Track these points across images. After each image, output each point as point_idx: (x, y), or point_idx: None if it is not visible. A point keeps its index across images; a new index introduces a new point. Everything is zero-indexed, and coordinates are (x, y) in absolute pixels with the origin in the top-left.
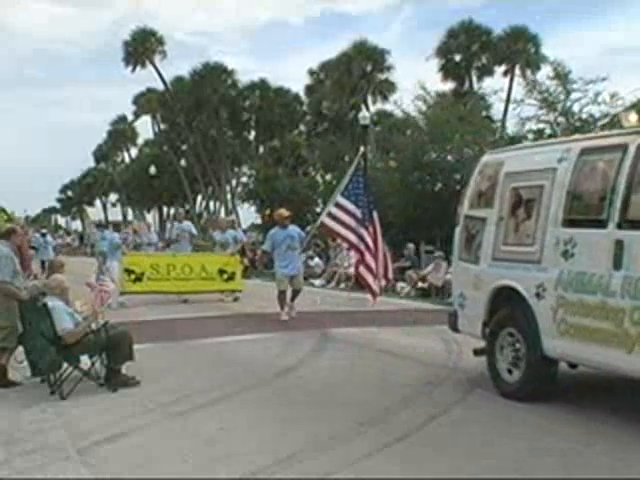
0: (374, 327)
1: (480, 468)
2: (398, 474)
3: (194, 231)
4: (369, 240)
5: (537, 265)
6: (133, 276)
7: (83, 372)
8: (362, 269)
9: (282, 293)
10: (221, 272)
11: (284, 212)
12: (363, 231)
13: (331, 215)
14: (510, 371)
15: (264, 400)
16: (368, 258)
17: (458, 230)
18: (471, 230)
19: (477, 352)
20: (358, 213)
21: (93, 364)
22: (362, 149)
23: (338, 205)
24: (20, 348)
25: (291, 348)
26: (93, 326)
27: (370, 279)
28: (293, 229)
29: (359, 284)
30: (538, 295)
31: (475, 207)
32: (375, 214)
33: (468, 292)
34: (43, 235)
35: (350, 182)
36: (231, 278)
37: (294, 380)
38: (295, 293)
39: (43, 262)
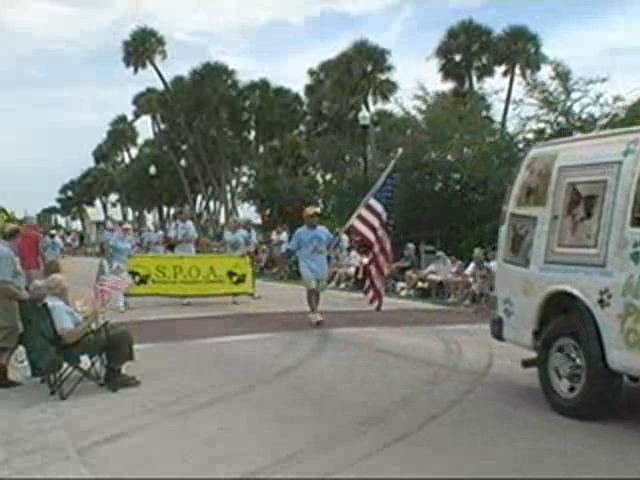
0: (374, 327)
1: (480, 468)
2: (398, 474)
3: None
4: (387, 244)
5: (600, 269)
6: (137, 278)
7: (83, 372)
8: (374, 272)
9: (312, 292)
10: (230, 274)
11: (311, 210)
12: (382, 233)
13: (361, 217)
14: (568, 386)
15: (264, 400)
16: (381, 262)
17: (503, 230)
18: (519, 230)
19: (526, 364)
20: (384, 216)
21: (93, 364)
22: (400, 150)
23: (369, 207)
24: (20, 348)
25: (291, 348)
26: (93, 326)
27: (379, 283)
28: (321, 230)
29: (363, 283)
30: (602, 302)
31: (523, 205)
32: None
33: (516, 298)
34: (52, 236)
35: (384, 184)
36: (241, 280)
37: (294, 380)
38: (317, 298)
39: None
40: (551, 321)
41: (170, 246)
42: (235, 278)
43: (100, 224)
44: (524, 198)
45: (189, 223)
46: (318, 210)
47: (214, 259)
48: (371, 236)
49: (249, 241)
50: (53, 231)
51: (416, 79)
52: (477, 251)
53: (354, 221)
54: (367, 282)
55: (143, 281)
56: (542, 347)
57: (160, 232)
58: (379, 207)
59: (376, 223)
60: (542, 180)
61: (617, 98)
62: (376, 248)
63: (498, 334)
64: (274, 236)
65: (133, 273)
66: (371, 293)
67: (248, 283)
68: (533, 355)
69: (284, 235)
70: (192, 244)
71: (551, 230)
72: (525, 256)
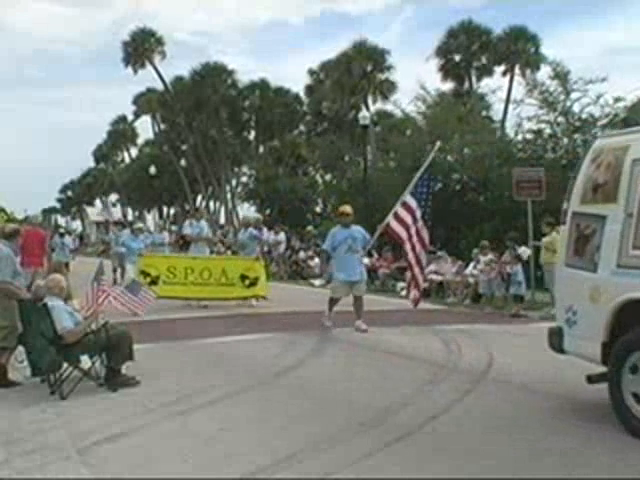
0: (374, 327)
1: (480, 468)
2: (398, 474)
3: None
4: (418, 245)
5: None
6: (148, 279)
7: (83, 372)
8: (416, 270)
9: (333, 301)
10: (243, 278)
11: (346, 209)
12: (415, 231)
13: (397, 216)
14: None
15: (264, 400)
16: (414, 263)
17: (564, 230)
18: (584, 230)
19: (592, 379)
20: (418, 212)
21: (93, 364)
22: (438, 143)
23: (405, 204)
24: (20, 348)
25: (291, 348)
26: (93, 326)
27: (419, 287)
28: (357, 230)
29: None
30: None
31: (589, 202)
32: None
33: (581, 306)
34: (62, 235)
35: (420, 179)
36: (253, 284)
37: (294, 380)
38: (357, 301)
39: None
40: (625, 332)
41: (184, 244)
42: (247, 282)
43: (101, 224)
44: (590, 194)
45: (203, 222)
46: (349, 209)
47: (227, 261)
48: (403, 234)
49: (261, 240)
50: (62, 230)
51: (416, 79)
52: (475, 251)
53: (391, 220)
54: (407, 283)
55: (154, 282)
56: (614, 361)
57: (165, 233)
58: (413, 203)
59: (409, 220)
60: (612, 174)
61: (617, 99)
62: (407, 246)
63: (558, 346)
64: (272, 236)
65: (144, 273)
66: (413, 293)
67: (260, 286)
68: (598, 369)
69: (282, 235)
70: (206, 245)
71: (624, 230)
72: (592, 259)
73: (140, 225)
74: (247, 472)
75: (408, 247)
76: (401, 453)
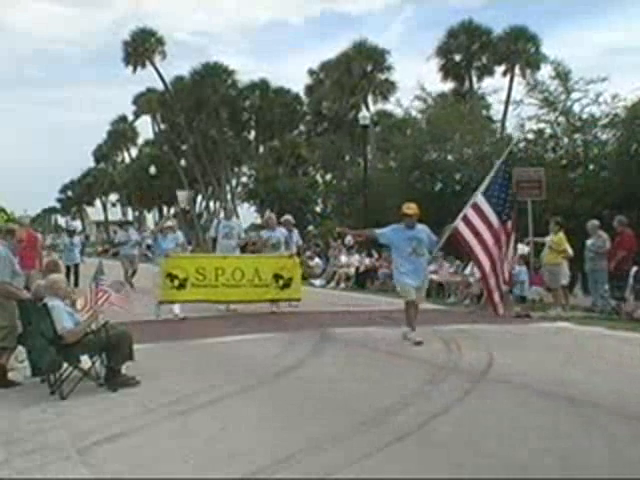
0: (374, 327)
1: (480, 468)
2: (398, 474)
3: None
4: (493, 249)
5: None
6: (176, 282)
7: (83, 372)
8: (486, 284)
9: (410, 305)
10: (277, 277)
11: (410, 208)
12: (489, 237)
13: (466, 220)
14: None
15: (264, 400)
16: (488, 272)
17: None
18: None
19: None
20: (493, 217)
21: (93, 364)
22: (514, 139)
23: (475, 207)
24: (20, 348)
25: (291, 348)
26: (93, 326)
27: (494, 294)
28: (422, 230)
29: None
30: None
31: None
32: (512, 213)
33: None
34: (70, 235)
35: (496, 176)
36: (287, 285)
37: (294, 380)
38: (415, 308)
39: (68, 268)
40: None
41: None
42: (281, 282)
43: (101, 224)
44: None
45: (234, 221)
46: (413, 208)
47: (260, 260)
48: (472, 240)
49: (294, 241)
50: (73, 227)
51: (417, 79)
52: None
53: (459, 223)
54: (485, 296)
55: (182, 285)
56: None
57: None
58: (486, 207)
59: (479, 225)
60: None
61: (615, 97)
62: (479, 254)
63: None
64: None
65: (171, 276)
66: (496, 297)
67: (294, 288)
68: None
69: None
70: (237, 247)
71: None
72: None
73: (170, 223)
74: (247, 472)
75: (481, 255)
76: (401, 453)
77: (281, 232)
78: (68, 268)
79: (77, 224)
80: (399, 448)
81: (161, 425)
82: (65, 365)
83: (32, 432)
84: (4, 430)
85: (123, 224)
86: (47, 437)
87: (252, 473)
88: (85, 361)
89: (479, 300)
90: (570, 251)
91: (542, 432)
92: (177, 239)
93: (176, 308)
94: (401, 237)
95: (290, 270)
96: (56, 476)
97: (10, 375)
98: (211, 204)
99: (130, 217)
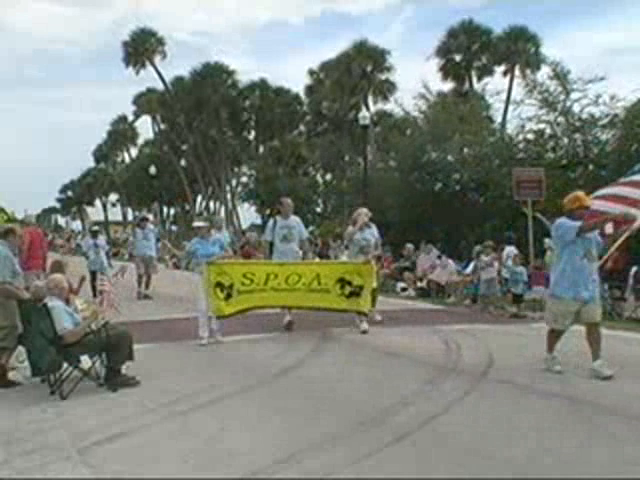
0: (374, 327)
1: (480, 468)
2: (398, 474)
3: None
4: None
5: None
6: (224, 293)
7: (83, 372)
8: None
9: (555, 333)
10: (342, 283)
11: (586, 199)
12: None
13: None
14: None
15: (264, 400)
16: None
17: None
18: None
19: None
20: None
21: (93, 364)
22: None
23: (633, 183)
24: (20, 348)
25: (291, 348)
26: (93, 326)
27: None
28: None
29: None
30: None
31: None
32: None
33: None
34: (94, 235)
35: None
36: (356, 293)
37: (294, 380)
38: (591, 333)
39: (94, 274)
40: None
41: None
42: (348, 289)
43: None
44: None
45: (293, 219)
46: (585, 199)
47: (326, 265)
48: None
49: (377, 244)
50: (95, 227)
51: (420, 79)
52: (477, 248)
53: (595, 202)
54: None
55: (229, 294)
56: None
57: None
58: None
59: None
60: None
61: (613, 97)
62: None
63: None
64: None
65: (220, 286)
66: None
67: (364, 298)
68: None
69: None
70: (299, 252)
71: None
72: None
73: (201, 224)
74: (247, 472)
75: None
76: (401, 453)
77: (371, 233)
78: (94, 274)
79: (76, 224)
80: (399, 448)
81: (161, 425)
82: (65, 365)
83: (32, 432)
84: (4, 430)
85: (142, 220)
86: (47, 437)
87: (252, 473)
88: (85, 361)
89: (479, 300)
90: None
91: (542, 432)
92: (220, 241)
93: (203, 331)
94: (574, 234)
95: (363, 276)
96: (56, 476)
97: (10, 375)
98: (211, 204)
99: (130, 217)
